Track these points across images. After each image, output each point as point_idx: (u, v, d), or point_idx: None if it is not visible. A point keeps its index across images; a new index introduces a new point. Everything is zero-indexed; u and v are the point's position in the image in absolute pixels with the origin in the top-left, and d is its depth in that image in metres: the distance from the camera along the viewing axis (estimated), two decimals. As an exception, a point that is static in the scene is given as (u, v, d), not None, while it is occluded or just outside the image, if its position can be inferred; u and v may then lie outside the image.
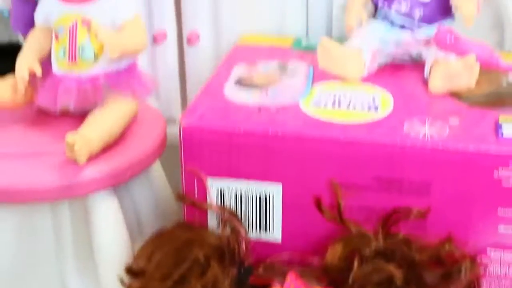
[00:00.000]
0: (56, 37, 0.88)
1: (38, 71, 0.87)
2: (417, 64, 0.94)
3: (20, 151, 0.84)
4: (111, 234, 0.83)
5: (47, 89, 0.89)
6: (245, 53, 1.01)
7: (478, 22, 0.91)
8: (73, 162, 0.79)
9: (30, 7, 0.94)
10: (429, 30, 0.92)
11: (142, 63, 0.97)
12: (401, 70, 0.94)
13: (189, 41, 1.10)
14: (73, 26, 0.87)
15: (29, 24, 0.93)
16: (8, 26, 1.08)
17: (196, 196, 0.80)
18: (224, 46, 1.08)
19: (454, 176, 0.74)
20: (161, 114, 0.94)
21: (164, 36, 1.10)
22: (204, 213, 0.81)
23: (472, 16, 0.86)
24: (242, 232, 0.78)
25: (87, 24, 0.86)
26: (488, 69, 0.88)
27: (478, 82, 0.86)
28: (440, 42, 0.89)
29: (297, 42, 1.04)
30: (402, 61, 0.96)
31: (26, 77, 0.87)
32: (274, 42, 1.04)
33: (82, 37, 0.86)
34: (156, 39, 1.09)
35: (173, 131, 0.86)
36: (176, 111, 1.13)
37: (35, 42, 0.92)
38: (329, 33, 1.10)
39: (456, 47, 0.88)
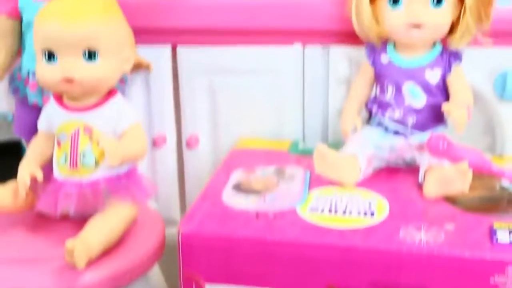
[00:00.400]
0: (58, 143, 0.90)
1: (40, 177, 0.89)
2: (411, 168, 0.95)
3: (20, 256, 0.85)
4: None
5: (48, 194, 0.90)
6: (243, 157, 1.04)
7: (470, 126, 0.93)
8: (73, 267, 0.79)
9: (34, 113, 0.96)
10: (422, 136, 0.94)
11: (142, 166, 0.99)
12: (395, 174, 0.96)
13: (188, 144, 1.13)
14: (75, 133, 0.89)
15: (32, 129, 0.96)
16: (10, 127, 1.09)
17: (194, 300, 0.80)
18: (223, 149, 1.12)
19: (450, 282, 0.74)
20: (160, 216, 0.95)
21: (164, 140, 1.13)
22: (202, 318, 0.80)
23: (463, 124, 0.89)
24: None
25: (89, 131, 0.88)
26: (481, 173, 0.89)
27: (472, 187, 0.87)
28: (433, 149, 0.90)
29: (294, 146, 1.07)
30: (396, 165, 0.97)
31: (28, 182, 0.88)
32: (271, 145, 1.08)
33: (84, 144, 0.88)
34: (156, 143, 1.12)
35: (172, 232, 0.86)
36: (175, 212, 1.15)
37: (37, 148, 0.94)
38: (325, 137, 1.14)
39: (448, 153, 0.90)
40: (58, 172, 0.91)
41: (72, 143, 0.90)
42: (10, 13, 1.01)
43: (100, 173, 0.90)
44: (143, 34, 1.02)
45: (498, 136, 1.08)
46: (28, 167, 0.91)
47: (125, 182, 0.92)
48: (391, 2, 0.95)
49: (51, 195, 0.90)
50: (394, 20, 0.95)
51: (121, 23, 0.93)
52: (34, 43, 0.90)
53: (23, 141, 1.06)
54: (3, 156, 1.22)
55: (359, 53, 1.04)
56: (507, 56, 1.05)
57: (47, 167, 0.94)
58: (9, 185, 0.93)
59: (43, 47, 0.88)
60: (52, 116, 0.93)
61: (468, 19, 0.95)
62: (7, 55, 1.02)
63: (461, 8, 0.95)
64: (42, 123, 0.94)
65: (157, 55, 1.11)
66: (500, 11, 0.97)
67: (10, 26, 1.02)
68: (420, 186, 0.92)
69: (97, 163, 0.90)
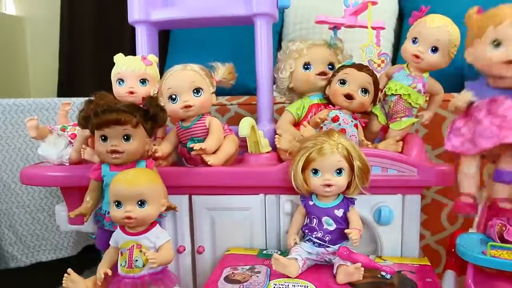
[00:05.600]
0: (121, 253, 0.97)
1: (109, 273, 0.91)
2: (330, 265, 1.04)
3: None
4: None
5: (114, 284, 0.92)
6: (231, 259, 1.08)
7: (361, 240, 0.98)
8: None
9: (108, 235, 1.03)
10: (335, 247, 1.02)
11: (171, 266, 1.01)
12: (320, 269, 1.04)
13: (198, 251, 1.12)
14: (131, 248, 0.91)
15: (106, 244, 0.99)
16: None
17: None
18: (219, 254, 1.11)
19: None
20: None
21: (184, 248, 1.12)
22: None
23: (357, 240, 0.98)
24: None
25: (139, 247, 0.91)
26: (369, 268, 0.92)
27: (364, 276, 0.92)
28: (341, 255, 0.96)
29: (260, 252, 1.13)
30: (321, 263, 1.05)
31: (102, 276, 0.89)
32: (247, 251, 1.13)
33: (136, 254, 0.90)
34: (179, 251, 1.12)
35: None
36: (191, 292, 1.15)
37: (109, 256, 0.98)
38: (278, 247, 1.14)
39: (350, 257, 0.94)
40: (120, 270, 0.94)
41: (129, 253, 0.94)
42: (97, 178, 1.05)
43: (145, 271, 0.94)
44: (172, 188, 1.05)
45: (378, 245, 1.09)
46: (103, 267, 0.94)
47: (160, 276, 0.96)
48: (313, 173, 1.02)
49: (116, 285, 0.92)
50: (315, 182, 1.02)
51: (160, 184, 1.03)
52: (110, 196, 0.99)
53: (101, 251, 1.07)
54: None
55: (297, 198, 1.07)
56: (379, 200, 1.06)
57: (114, 268, 0.95)
58: (91, 278, 0.94)
59: (114, 199, 0.94)
60: (118, 237, 1.00)
61: (356, 182, 1.02)
62: (94, 203, 1.08)
63: (353, 175, 1.02)
64: (112, 241, 1.00)
65: (180, 201, 1.10)
66: (372, 177, 1.03)
67: (97, 186, 1.07)
68: (335, 276, 0.98)
69: (144, 265, 0.92)
